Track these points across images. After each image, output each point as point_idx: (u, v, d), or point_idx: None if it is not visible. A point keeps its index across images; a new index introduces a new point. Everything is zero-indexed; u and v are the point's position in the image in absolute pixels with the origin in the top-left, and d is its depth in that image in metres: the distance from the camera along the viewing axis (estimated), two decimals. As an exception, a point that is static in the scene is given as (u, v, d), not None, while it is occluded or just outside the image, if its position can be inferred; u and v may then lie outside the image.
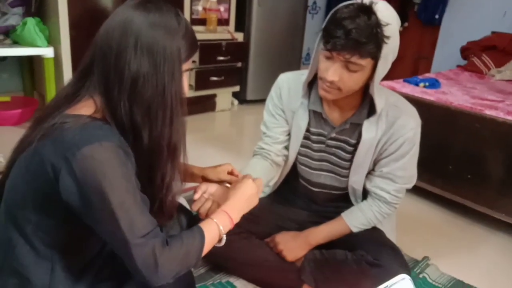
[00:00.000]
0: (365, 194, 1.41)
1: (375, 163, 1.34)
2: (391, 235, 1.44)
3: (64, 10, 2.46)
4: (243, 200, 1.04)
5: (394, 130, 1.26)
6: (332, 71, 1.13)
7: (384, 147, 1.29)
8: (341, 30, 1.06)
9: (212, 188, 1.14)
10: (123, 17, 0.82)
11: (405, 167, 1.30)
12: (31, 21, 2.39)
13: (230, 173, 1.22)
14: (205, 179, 1.21)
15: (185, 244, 0.86)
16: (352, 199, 1.43)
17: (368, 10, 1.07)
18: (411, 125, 1.26)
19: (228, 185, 1.18)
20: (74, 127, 0.78)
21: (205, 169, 1.21)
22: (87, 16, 2.58)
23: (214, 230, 0.94)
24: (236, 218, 1.01)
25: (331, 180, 1.42)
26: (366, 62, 1.11)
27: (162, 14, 0.84)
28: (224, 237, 0.97)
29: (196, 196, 1.11)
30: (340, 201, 1.46)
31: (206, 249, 0.91)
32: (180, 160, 0.93)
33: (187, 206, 1.29)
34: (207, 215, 1.06)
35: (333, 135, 1.35)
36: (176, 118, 0.87)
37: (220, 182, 1.19)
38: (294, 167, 1.49)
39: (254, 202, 1.08)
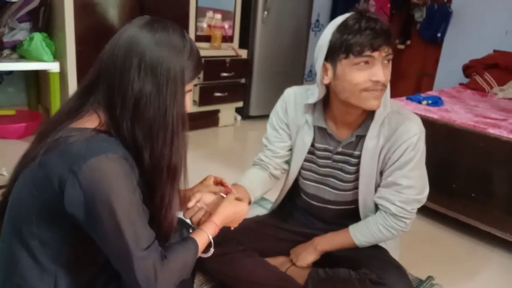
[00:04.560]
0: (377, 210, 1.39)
1: (382, 174, 1.32)
2: (395, 253, 1.42)
3: (70, 25, 2.50)
4: (233, 219, 1.10)
5: (397, 136, 1.25)
6: (382, 72, 1.14)
7: (388, 155, 1.28)
8: (370, 31, 1.11)
9: (208, 198, 1.16)
10: (129, 36, 0.83)
11: (409, 176, 1.26)
12: (38, 36, 2.43)
13: (217, 183, 1.24)
14: None
15: (182, 257, 0.90)
16: (362, 215, 1.40)
17: (362, 11, 1.16)
18: (414, 131, 1.25)
19: (223, 195, 1.19)
20: (79, 140, 0.79)
21: (194, 189, 1.21)
22: (93, 31, 2.62)
23: (205, 242, 1.00)
24: (220, 227, 1.06)
25: (335, 195, 1.41)
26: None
27: (168, 35, 0.84)
28: (212, 249, 1.02)
29: (190, 205, 1.13)
30: (346, 218, 1.43)
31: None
32: (179, 182, 0.93)
33: (188, 221, 1.29)
34: (198, 224, 1.09)
35: (339, 149, 1.34)
36: (177, 139, 0.87)
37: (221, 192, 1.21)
38: (297, 182, 1.48)
39: (234, 225, 1.14)
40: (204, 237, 0.99)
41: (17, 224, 0.84)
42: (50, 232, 0.82)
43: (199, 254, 0.98)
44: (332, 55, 1.17)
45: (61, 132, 0.82)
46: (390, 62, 1.19)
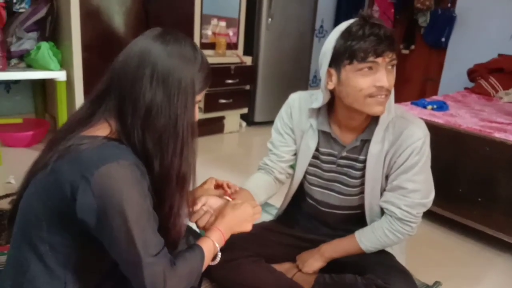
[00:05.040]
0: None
1: (387, 178, 1.32)
2: (400, 258, 1.42)
3: (77, 34, 2.53)
4: (237, 222, 1.08)
5: (402, 141, 1.26)
6: (386, 78, 1.15)
7: (393, 159, 1.28)
8: (374, 37, 1.12)
9: (212, 201, 1.16)
10: (142, 47, 0.85)
11: (414, 180, 1.26)
12: (45, 45, 2.46)
13: (218, 186, 1.24)
14: None
15: (189, 264, 0.90)
16: (368, 219, 1.40)
17: (365, 17, 1.17)
18: (418, 135, 1.25)
19: (228, 198, 1.20)
20: (91, 148, 0.80)
21: (195, 193, 1.21)
22: (99, 39, 2.65)
23: (211, 249, 0.98)
24: (227, 237, 1.05)
25: (340, 200, 1.41)
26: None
27: (180, 47, 0.86)
28: (219, 255, 1.01)
29: (196, 208, 1.13)
30: (352, 223, 1.44)
31: (204, 266, 0.95)
32: (188, 191, 0.94)
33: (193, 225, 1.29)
34: (204, 227, 1.09)
35: (344, 154, 1.35)
36: (187, 148, 0.88)
37: (220, 196, 1.21)
38: (301, 187, 1.49)
39: (246, 227, 1.11)
40: (209, 243, 0.98)
41: (27, 230, 0.85)
42: (59, 237, 0.83)
43: (209, 261, 0.98)
44: (336, 61, 1.19)
45: (72, 140, 0.83)
46: (394, 68, 1.20)
